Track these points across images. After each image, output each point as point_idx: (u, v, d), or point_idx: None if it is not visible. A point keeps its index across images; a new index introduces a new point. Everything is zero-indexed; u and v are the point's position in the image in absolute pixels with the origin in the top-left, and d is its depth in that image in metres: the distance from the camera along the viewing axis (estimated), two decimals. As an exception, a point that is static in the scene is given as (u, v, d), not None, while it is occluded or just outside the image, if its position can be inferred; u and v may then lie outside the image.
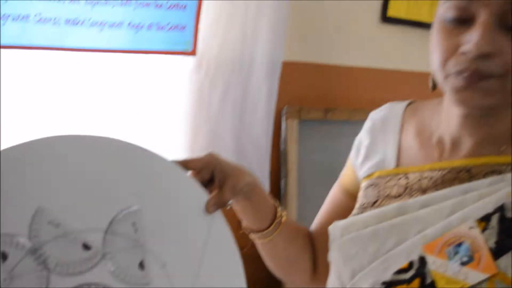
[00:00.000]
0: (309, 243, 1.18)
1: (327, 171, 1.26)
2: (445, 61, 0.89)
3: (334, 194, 1.19)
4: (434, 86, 0.99)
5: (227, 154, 1.95)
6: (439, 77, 0.93)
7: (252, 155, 2.02)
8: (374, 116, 1.13)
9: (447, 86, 0.91)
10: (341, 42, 2.22)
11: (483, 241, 0.86)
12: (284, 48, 1.98)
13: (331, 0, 2.16)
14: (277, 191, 2.13)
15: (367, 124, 1.13)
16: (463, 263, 0.86)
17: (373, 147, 1.10)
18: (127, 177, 0.90)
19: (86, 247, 0.84)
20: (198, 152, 1.95)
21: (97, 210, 0.86)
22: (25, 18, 1.49)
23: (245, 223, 1.12)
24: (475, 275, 0.85)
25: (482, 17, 0.86)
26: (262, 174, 2.04)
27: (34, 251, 0.81)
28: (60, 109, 1.64)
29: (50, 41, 1.55)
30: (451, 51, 0.89)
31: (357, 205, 1.06)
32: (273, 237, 1.11)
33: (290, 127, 2.12)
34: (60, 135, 0.88)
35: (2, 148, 0.84)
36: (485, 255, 0.85)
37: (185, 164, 0.97)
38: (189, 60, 1.81)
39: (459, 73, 0.88)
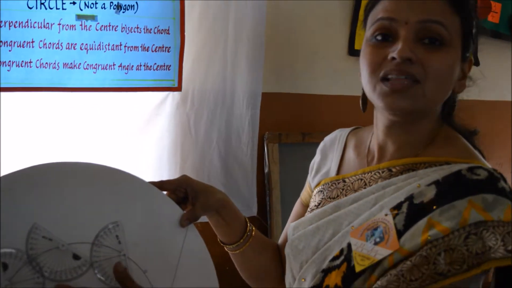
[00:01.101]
0: (277, 254, 1.25)
1: (306, 188, 1.36)
2: (374, 70, 0.99)
3: (296, 208, 1.28)
4: (364, 107, 1.09)
5: (216, 176, 2.01)
6: (368, 89, 1.01)
7: (239, 176, 2.07)
8: (326, 138, 1.25)
9: (375, 95, 1.00)
10: (314, 73, 2.28)
11: (393, 224, 0.94)
12: (262, 80, 2.05)
13: (304, 36, 2.23)
14: (263, 207, 2.17)
15: (320, 145, 1.24)
16: (376, 243, 0.94)
17: (322, 162, 1.20)
18: (110, 196, 0.97)
19: (76, 257, 0.91)
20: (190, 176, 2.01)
21: (85, 226, 0.93)
22: (28, 64, 1.57)
23: (219, 236, 1.19)
24: (382, 252, 0.93)
25: (402, 33, 0.97)
26: (250, 193, 2.10)
27: (31, 261, 0.88)
28: (61, 142, 1.69)
29: (50, 83, 1.61)
30: (379, 61, 0.99)
31: (308, 209, 1.16)
32: (244, 249, 1.18)
33: (272, 151, 2.18)
34: (52, 163, 0.95)
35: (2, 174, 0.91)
36: (393, 235, 0.93)
37: (160, 185, 1.05)
38: (175, 95, 1.87)
39: (386, 77, 0.97)
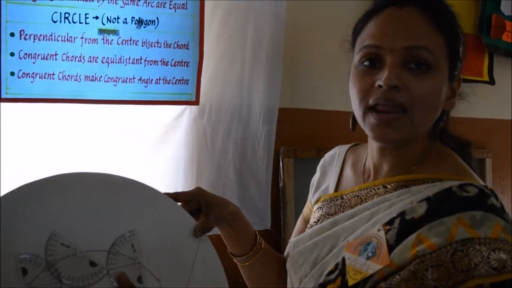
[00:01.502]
0: (284, 267, 1.27)
1: (321, 203, 1.37)
2: (364, 97, 1.00)
3: (298, 223, 1.30)
4: (353, 127, 1.11)
5: (231, 189, 2.03)
6: (358, 117, 1.03)
7: (254, 190, 2.09)
8: (326, 155, 1.28)
9: (365, 126, 1.02)
10: (331, 89, 2.27)
11: (385, 239, 0.96)
12: (279, 95, 2.07)
13: (321, 52, 2.24)
14: (278, 221, 2.18)
15: (320, 162, 1.27)
16: (368, 258, 0.96)
17: (322, 179, 1.23)
18: (127, 206, 1.00)
19: (92, 264, 0.94)
20: (205, 188, 2.03)
21: (101, 234, 0.96)
22: (51, 76, 1.62)
23: (229, 248, 1.22)
24: (373, 267, 0.94)
25: (388, 60, 0.98)
26: (264, 206, 2.11)
27: (49, 267, 0.91)
28: (80, 152, 1.72)
29: (72, 95, 1.66)
30: (368, 88, 1.00)
31: (308, 225, 1.18)
32: (253, 261, 1.20)
33: (287, 165, 2.20)
34: (71, 172, 0.99)
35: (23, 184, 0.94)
36: (384, 251, 0.95)
37: (175, 196, 1.08)
38: (193, 108, 1.90)
39: (375, 106, 0.98)
